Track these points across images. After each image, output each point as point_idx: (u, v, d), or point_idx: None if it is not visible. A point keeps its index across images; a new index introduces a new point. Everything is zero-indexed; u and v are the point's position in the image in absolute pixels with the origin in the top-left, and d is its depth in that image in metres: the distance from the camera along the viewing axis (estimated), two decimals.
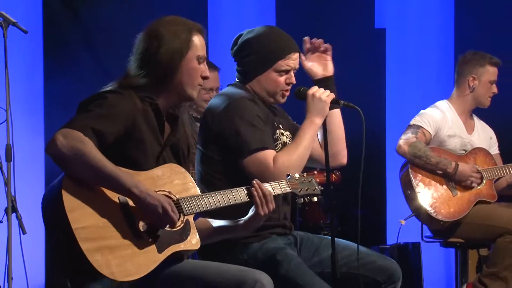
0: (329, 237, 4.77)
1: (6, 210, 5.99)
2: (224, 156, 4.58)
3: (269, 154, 4.53)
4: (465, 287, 6.26)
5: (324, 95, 4.67)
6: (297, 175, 4.32)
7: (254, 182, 4.13)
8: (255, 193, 4.12)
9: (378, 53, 9.20)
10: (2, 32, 6.01)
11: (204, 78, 4.17)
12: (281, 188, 4.27)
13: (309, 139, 4.62)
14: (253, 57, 4.72)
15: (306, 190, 4.32)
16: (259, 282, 3.88)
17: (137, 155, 3.97)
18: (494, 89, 6.47)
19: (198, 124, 6.59)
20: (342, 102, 4.70)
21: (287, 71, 4.72)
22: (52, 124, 7.77)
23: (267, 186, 4.19)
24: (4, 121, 6.00)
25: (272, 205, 4.14)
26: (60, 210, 3.70)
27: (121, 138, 3.92)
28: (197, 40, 4.12)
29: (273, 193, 4.19)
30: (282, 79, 4.71)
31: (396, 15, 9.33)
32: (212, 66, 6.75)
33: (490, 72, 6.42)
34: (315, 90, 4.70)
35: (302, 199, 4.31)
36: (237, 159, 4.52)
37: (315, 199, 4.34)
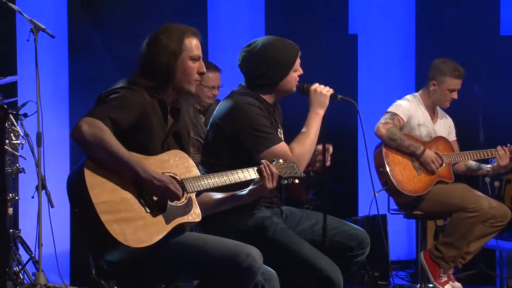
0: (310, 211, 4.86)
1: (37, 188, 6.02)
2: (235, 153, 4.59)
3: (285, 146, 4.60)
4: (422, 254, 6.28)
5: (324, 90, 4.75)
6: (281, 161, 4.36)
7: (264, 161, 4.22)
8: (264, 170, 4.19)
9: (352, 56, 9.21)
10: (34, 37, 6.05)
11: (201, 74, 4.20)
12: None
13: (316, 128, 4.69)
14: (271, 71, 4.71)
15: (289, 173, 4.35)
16: (251, 255, 3.90)
17: (145, 141, 4.01)
18: (454, 95, 6.43)
19: (202, 116, 6.64)
20: (339, 96, 4.78)
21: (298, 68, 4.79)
22: (75, 115, 7.73)
23: (254, 168, 4.26)
24: (35, 112, 6.01)
25: (276, 181, 4.23)
26: (83, 188, 3.74)
27: (133, 126, 3.95)
28: (189, 42, 4.16)
29: (256, 176, 4.26)
30: (296, 75, 4.77)
31: (366, 22, 9.32)
32: (214, 67, 6.79)
33: (449, 82, 6.39)
34: (316, 86, 4.77)
35: (285, 180, 4.36)
36: (251, 156, 4.53)
37: (297, 181, 4.40)
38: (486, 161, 6.55)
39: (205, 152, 4.76)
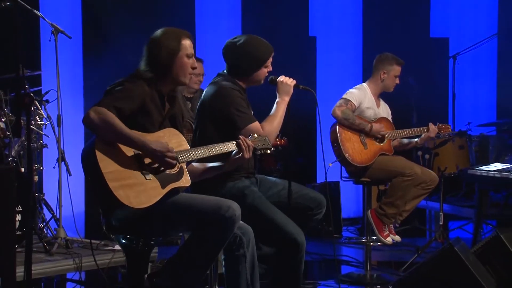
0: (278, 179, 4.84)
1: (57, 160, 6.00)
2: (219, 130, 4.55)
3: (258, 125, 4.57)
4: (369, 212, 6.28)
5: (289, 81, 4.74)
6: (256, 135, 4.37)
7: (241, 137, 4.26)
8: (242, 143, 4.22)
9: (311, 54, 9.21)
10: (54, 38, 6.02)
11: (193, 68, 4.21)
12: None
13: (282, 111, 4.67)
14: (247, 61, 4.67)
15: (262, 145, 4.36)
16: (231, 207, 3.92)
17: (145, 123, 4.01)
18: (397, 81, 6.46)
19: (189, 102, 6.62)
20: (301, 86, 4.78)
21: (268, 65, 4.76)
22: (89, 100, 7.76)
23: (233, 142, 4.27)
24: (55, 99, 5.98)
25: (251, 152, 4.27)
26: (94, 160, 3.76)
27: (134, 112, 3.95)
28: (185, 43, 4.16)
29: (235, 149, 4.27)
30: (266, 70, 4.74)
31: (324, 26, 9.33)
32: (198, 59, 6.84)
33: (396, 69, 6.41)
34: (282, 78, 4.75)
35: (259, 151, 4.37)
36: (233, 131, 4.48)
37: (268, 151, 4.41)
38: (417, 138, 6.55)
39: (195, 132, 4.72)
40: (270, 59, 4.75)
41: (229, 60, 4.75)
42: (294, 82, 4.76)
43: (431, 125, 6.42)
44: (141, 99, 3.98)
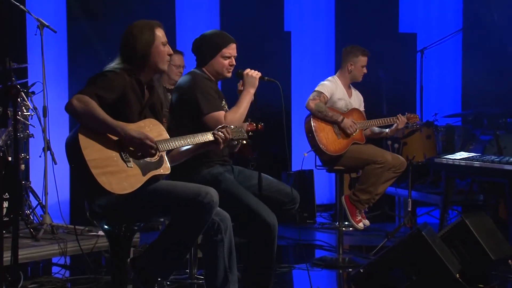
0: (255, 171, 4.83)
1: (43, 149, 5.96)
2: (191, 116, 4.54)
3: (221, 113, 4.55)
4: (343, 198, 6.29)
5: (254, 74, 4.71)
6: (232, 126, 4.35)
7: (216, 129, 4.24)
8: (219, 136, 4.21)
9: (286, 49, 9.21)
10: (40, 32, 5.98)
11: (170, 55, 4.21)
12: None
13: (246, 103, 4.64)
14: (205, 49, 4.70)
15: (238, 136, 4.35)
16: (209, 193, 3.91)
17: (125, 112, 4.00)
18: (365, 70, 6.47)
19: (169, 94, 6.60)
20: (265, 78, 4.75)
21: (229, 57, 4.73)
22: (73, 92, 7.65)
23: (208, 133, 4.25)
24: (41, 91, 5.94)
25: (225, 143, 4.27)
26: (77, 148, 3.74)
27: (115, 100, 3.94)
28: (158, 32, 4.15)
29: (210, 138, 4.24)
30: (226, 62, 4.72)
31: (298, 22, 9.33)
32: (179, 52, 6.96)
33: (362, 60, 6.42)
34: (248, 71, 4.71)
35: (235, 141, 4.39)
36: (199, 117, 4.51)
37: (244, 142, 4.42)
38: (387, 128, 6.57)
39: (170, 118, 4.71)
40: (228, 50, 4.71)
41: (193, 49, 4.79)
42: (260, 74, 4.73)
43: (399, 116, 6.45)
44: (122, 88, 3.97)
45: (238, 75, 4.77)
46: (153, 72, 4.19)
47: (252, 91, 4.69)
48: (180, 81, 4.73)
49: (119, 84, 3.96)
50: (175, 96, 4.69)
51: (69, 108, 3.82)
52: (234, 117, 4.57)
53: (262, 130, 5.10)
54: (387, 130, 6.54)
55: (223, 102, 4.74)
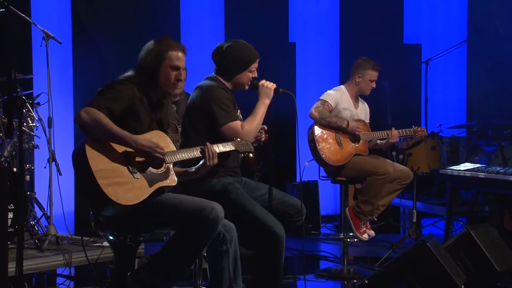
0: (261, 183, 4.84)
1: (48, 160, 5.98)
2: (207, 127, 4.54)
3: (238, 123, 4.56)
4: (347, 210, 6.29)
5: (269, 85, 4.74)
6: (238, 140, 4.39)
7: (207, 143, 4.22)
8: (205, 151, 4.19)
9: (291, 59, 9.22)
10: (45, 43, 6.01)
11: (178, 80, 4.17)
12: (227, 147, 4.34)
13: (262, 113, 4.66)
14: (233, 63, 4.67)
15: (245, 149, 4.39)
16: (214, 208, 3.92)
17: (134, 124, 4.01)
18: (373, 85, 6.45)
19: (174, 106, 6.60)
20: (281, 89, 4.78)
21: (253, 70, 4.74)
22: (78, 103, 7.75)
23: (218, 145, 4.27)
24: (46, 102, 5.97)
25: (215, 160, 4.23)
26: (84, 159, 3.76)
27: (124, 112, 3.95)
28: (172, 54, 4.13)
29: (219, 151, 4.27)
30: (251, 75, 4.73)
31: (303, 33, 9.35)
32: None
33: (370, 74, 6.41)
34: (263, 82, 4.74)
35: (242, 154, 4.44)
36: (216, 128, 4.51)
37: (251, 155, 4.44)
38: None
39: (182, 134, 4.70)
40: (255, 65, 4.75)
41: (217, 60, 4.76)
42: (275, 86, 4.77)
43: (393, 130, 6.42)
44: (130, 100, 3.98)
45: (253, 85, 4.78)
46: (162, 92, 4.18)
47: (267, 102, 4.71)
48: (192, 97, 4.69)
49: (127, 95, 3.98)
50: (188, 111, 4.67)
51: (78, 121, 3.83)
52: (251, 127, 4.58)
53: (267, 141, 5.11)
54: (380, 142, 6.54)
55: (238, 111, 4.75)
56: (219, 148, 4.27)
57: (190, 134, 4.59)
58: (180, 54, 4.16)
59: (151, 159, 3.92)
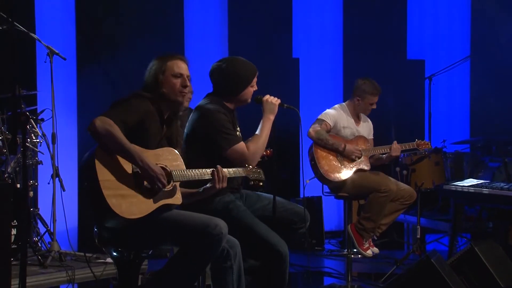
0: (262, 193, 4.83)
1: (52, 176, 5.98)
2: (208, 151, 4.52)
3: (242, 145, 4.54)
4: (349, 227, 6.28)
5: (274, 100, 4.72)
6: (250, 167, 4.42)
7: (218, 166, 4.24)
8: (215, 174, 4.21)
9: (295, 75, 9.24)
10: (49, 59, 6.03)
11: (184, 87, 4.18)
12: (238, 173, 4.38)
13: (267, 130, 4.64)
14: (234, 83, 4.64)
15: (255, 176, 4.43)
16: (218, 225, 3.92)
17: (144, 139, 4.01)
18: (373, 106, 6.45)
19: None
20: (285, 105, 4.76)
21: (254, 84, 4.73)
22: (82, 120, 7.75)
23: (229, 170, 4.30)
24: (50, 118, 5.98)
25: (224, 184, 4.26)
26: (92, 167, 3.77)
27: (137, 126, 3.96)
28: (171, 63, 4.17)
29: (229, 175, 4.29)
30: (252, 89, 4.72)
31: (306, 48, 9.37)
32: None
33: (369, 98, 6.40)
34: (267, 97, 4.73)
35: (252, 181, 4.44)
36: (220, 152, 4.49)
37: (261, 183, 4.44)
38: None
39: (185, 155, 4.69)
40: (255, 79, 4.74)
41: (217, 82, 4.72)
42: (279, 101, 4.74)
43: (394, 144, 6.41)
44: (143, 112, 4.00)
45: (257, 101, 4.76)
46: (170, 103, 4.18)
47: (271, 117, 4.69)
48: (193, 118, 4.65)
49: (141, 109, 4.00)
50: (188, 133, 4.65)
51: (91, 128, 3.82)
52: (257, 147, 4.58)
53: (271, 156, 5.11)
54: (382, 155, 6.53)
55: (237, 129, 4.73)
56: (230, 172, 4.28)
57: (190, 157, 4.57)
58: (179, 61, 4.20)
59: (151, 183, 3.90)
